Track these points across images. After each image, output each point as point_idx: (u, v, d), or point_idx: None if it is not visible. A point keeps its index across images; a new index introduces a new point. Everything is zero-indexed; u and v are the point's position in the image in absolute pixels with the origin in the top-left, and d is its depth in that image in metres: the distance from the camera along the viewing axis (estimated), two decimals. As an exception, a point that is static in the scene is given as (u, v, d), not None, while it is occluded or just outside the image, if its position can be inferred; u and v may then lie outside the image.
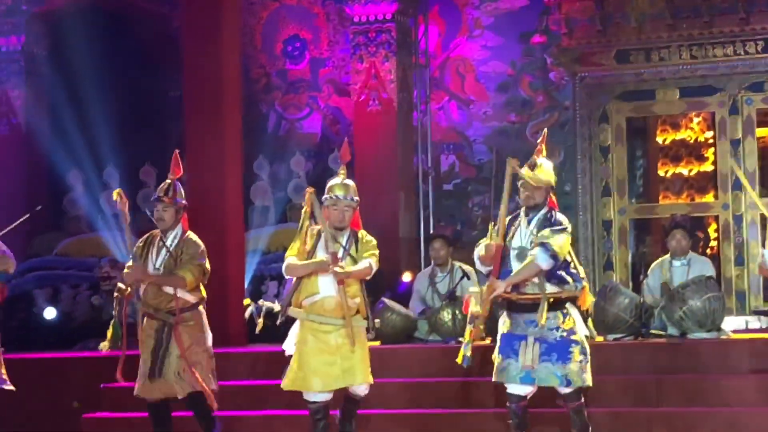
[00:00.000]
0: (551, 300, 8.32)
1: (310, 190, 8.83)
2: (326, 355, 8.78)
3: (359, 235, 8.93)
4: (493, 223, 8.56)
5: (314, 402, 8.93)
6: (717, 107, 15.14)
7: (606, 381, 10.08)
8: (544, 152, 8.72)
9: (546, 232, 8.32)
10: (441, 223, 15.88)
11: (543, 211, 8.51)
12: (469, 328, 8.62)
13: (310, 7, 17.03)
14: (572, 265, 8.55)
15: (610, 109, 15.44)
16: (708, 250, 15.83)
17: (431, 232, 15.42)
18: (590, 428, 8.62)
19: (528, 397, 8.57)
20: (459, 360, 8.57)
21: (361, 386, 8.94)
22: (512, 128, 15.89)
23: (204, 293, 9.47)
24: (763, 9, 14.68)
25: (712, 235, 15.88)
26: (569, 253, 8.52)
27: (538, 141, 8.84)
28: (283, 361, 9.19)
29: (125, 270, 9.28)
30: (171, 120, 17.22)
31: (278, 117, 17.30)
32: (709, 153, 16.58)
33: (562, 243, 8.30)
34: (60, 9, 16.05)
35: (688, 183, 16.96)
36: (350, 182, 8.97)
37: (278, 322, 9.13)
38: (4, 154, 15.82)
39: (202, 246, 9.43)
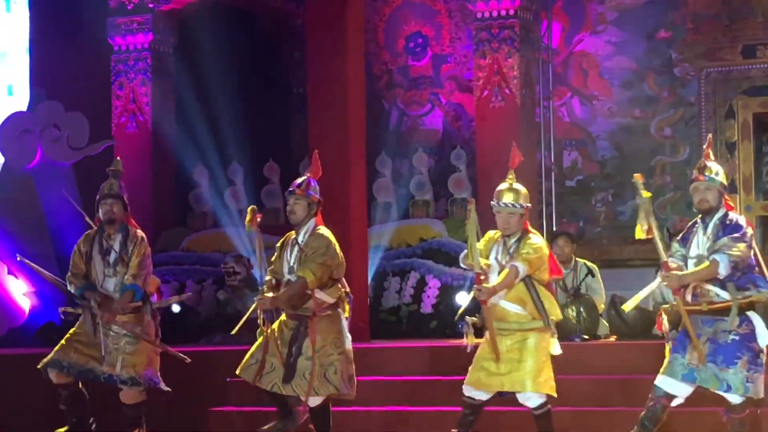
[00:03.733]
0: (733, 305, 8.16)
1: (471, 203, 8.71)
2: (492, 359, 8.71)
3: (525, 237, 8.77)
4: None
5: (469, 397, 8.88)
6: None
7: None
8: (712, 156, 8.54)
9: (725, 240, 8.13)
10: (564, 219, 15.78)
11: (719, 215, 8.32)
12: (668, 345, 8.46)
13: (432, 3, 17.02)
14: (757, 269, 8.30)
15: (737, 105, 15.25)
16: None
17: (554, 228, 15.34)
18: None
19: (672, 402, 8.38)
20: None
21: (526, 395, 8.75)
22: (637, 124, 15.77)
23: (343, 291, 9.30)
24: None
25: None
26: (754, 255, 8.30)
27: (704, 147, 8.64)
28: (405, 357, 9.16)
29: (258, 299, 9.20)
30: (295, 116, 17.38)
31: (400, 113, 17.33)
32: (840, 148, 16.31)
33: (742, 250, 8.08)
34: (186, 6, 16.20)
35: (817, 179, 16.68)
36: (520, 187, 8.85)
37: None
38: (131, 151, 15.96)
39: (331, 240, 9.22)
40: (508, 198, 8.79)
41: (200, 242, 15.72)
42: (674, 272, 8.21)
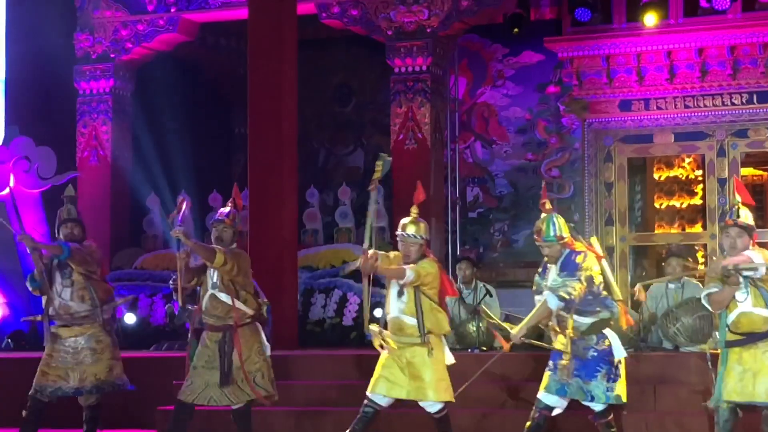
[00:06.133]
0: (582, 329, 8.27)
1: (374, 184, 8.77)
2: (396, 368, 8.63)
3: (421, 260, 8.67)
4: None
5: (372, 401, 8.73)
6: (706, 150, 15.05)
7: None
8: (547, 206, 8.54)
9: (559, 280, 8.21)
10: (466, 246, 15.80)
11: (564, 254, 8.34)
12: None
13: (357, 58, 17.03)
14: (605, 293, 8.37)
15: (614, 150, 15.34)
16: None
17: (457, 254, 15.35)
18: None
19: (552, 412, 8.44)
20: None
21: (429, 403, 8.68)
22: (529, 165, 15.84)
23: (257, 304, 9.19)
24: (748, 66, 14.61)
25: (701, 261, 15.70)
26: (601, 283, 8.35)
27: (540, 198, 8.64)
28: (329, 363, 9.11)
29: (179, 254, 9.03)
30: (236, 153, 17.31)
31: (327, 152, 17.30)
32: (699, 189, 16.50)
33: (574, 287, 8.14)
34: (143, 57, 16.10)
35: (680, 215, 16.84)
36: (421, 221, 8.76)
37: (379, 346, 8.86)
38: (92, 181, 15.84)
39: (246, 256, 9.21)
40: (410, 230, 8.72)
41: (152, 261, 15.54)
42: (515, 327, 8.36)
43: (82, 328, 9.41)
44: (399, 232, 8.74)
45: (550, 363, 8.41)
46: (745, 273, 7.65)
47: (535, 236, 8.40)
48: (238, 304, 9.01)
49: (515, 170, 15.89)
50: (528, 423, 8.46)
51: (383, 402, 8.74)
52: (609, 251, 15.18)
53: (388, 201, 15.20)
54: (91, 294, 9.46)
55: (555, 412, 8.45)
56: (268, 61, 13.33)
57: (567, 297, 8.10)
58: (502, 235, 15.85)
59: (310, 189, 15.91)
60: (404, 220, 8.79)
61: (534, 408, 8.45)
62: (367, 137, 17.04)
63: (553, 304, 8.16)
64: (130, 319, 14.03)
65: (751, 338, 7.77)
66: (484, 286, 12.12)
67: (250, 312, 9.10)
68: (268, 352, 9.21)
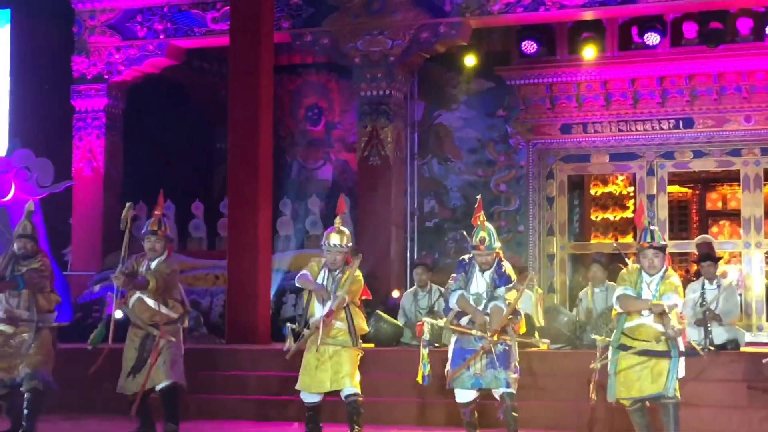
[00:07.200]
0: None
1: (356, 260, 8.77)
2: (317, 366, 8.66)
3: (348, 269, 8.67)
4: None
5: (309, 403, 8.82)
6: (637, 169, 15.20)
7: (548, 379, 10.07)
8: (482, 218, 8.56)
9: (503, 290, 8.33)
10: (423, 252, 15.83)
11: (495, 264, 8.45)
12: (425, 350, 8.47)
13: (326, 82, 17.05)
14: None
15: (555, 169, 15.46)
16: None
17: (415, 259, 15.37)
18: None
19: (475, 401, 8.50)
20: (419, 379, 8.45)
21: (347, 390, 8.71)
22: (479, 181, 15.90)
23: (184, 311, 9.08)
24: (675, 95, 14.78)
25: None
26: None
27: (475, 210, 8.67)
28: (297, 356, 9.17)
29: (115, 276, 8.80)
30: (218, 166, 17.26)
31: (299, 166, 17.28)
32: (630, 204, 16.67)
33: (514, 296, 8.36)
34: (134, 78, 16.06)
35: (613, 226, 16.98)
36: (344, 230, 8.71)
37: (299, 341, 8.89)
38: (87, 190, 15.79)
39: (173, 268, 8.97)
40: (335, 240, 8.64)
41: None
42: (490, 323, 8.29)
43: (23, 329, 9.18)
44: (323, 242, 8.68)
45: (458, 361, 8.38)
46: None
47: (478, 246, 8.37)
48: (164, 309, 8.91)
49: (467, 185, 15.94)
50: (463, 422, 8.52)
51: (315, 399, 8.81)
52: (550, 258, 15.31)
53: (353, 211, 15.21)
54: (35, 305, 9.22)
55: (475, 400, 8.54)
56: (247, 84, 13.35)
57: (510, 304, 8.28)
58: (455, 243, 15.89)
59: (284, 199, 15.90)
60: (329, 231, 8.71)
61: (462, 412, 8.51)
62: (336, 153, 17.05)
63: (503, 310, 8.26)
64: (118, 314, 13.90)
65: (645, 353, 8.02)
66: (438, 288, 12.14)
67: (174, 316, 9.03)
68: (182, 351, 9.12)
